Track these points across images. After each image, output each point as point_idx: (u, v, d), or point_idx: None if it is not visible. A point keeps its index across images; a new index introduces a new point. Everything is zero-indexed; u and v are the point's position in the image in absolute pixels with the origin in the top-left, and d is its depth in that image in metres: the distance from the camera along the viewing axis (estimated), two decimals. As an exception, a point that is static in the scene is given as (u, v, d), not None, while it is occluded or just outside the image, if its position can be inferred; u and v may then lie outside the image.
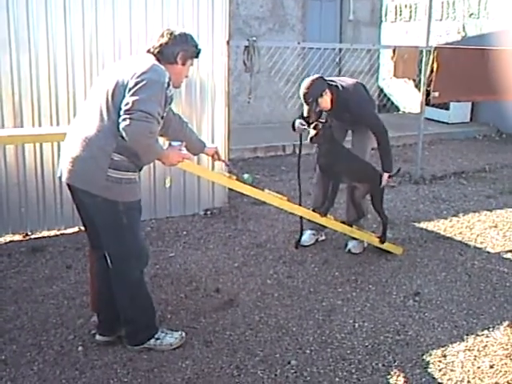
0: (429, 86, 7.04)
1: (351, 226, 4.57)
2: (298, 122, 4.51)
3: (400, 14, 12.90)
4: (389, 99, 12.49)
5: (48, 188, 4.97)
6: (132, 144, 2.82)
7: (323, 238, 4.99)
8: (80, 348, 3.30)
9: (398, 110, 12.61)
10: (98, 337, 3.35)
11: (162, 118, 2.94)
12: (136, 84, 2.78)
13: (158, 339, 3.29)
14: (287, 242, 4.96)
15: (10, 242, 4.84)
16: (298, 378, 3.08)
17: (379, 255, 4.65)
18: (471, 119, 11.04)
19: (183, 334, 3.38)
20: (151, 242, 4.87)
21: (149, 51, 3.05)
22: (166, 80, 2.87)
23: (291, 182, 6.82)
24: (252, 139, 8.51)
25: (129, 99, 2.76)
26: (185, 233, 5.12)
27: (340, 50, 9.40)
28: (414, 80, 9.49)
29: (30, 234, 4.96)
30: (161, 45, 3.03)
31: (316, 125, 4.29)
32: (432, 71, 6.95)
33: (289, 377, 3.09)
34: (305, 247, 4.83)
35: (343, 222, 4.57)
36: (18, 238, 4.91)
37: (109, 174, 2.88)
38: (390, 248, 4.68)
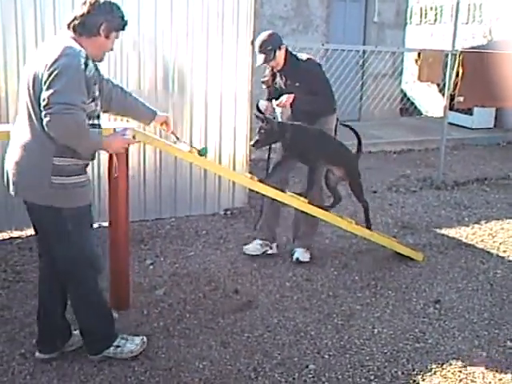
0: (453, 90, 6.97)
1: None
2: (262, 102, 4.43)
3: (425, 17, 12.81)
4: (412, 103, 12.39)
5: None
6: (61, 140, 2.64)
7: (273, 251, 4.66)
8: (98, 345, 3.31)
9: (421, 113, 12.51)
10: (37, 354, 3.15)
11: (94, 99, 2.77)
12: (49, 75, 2.56)
13: (118, 347, 3.14)
14: (307, 245, 4.94)
15: (31, 235, 4.85)
16: (315, 382, 3.06)
17: (399, 261, 4.60)
18: (495, 125, 10.90)
19: (144, 339, 3.25)
20: (171, 240, 4.89)
21: (69, 26, 2.79)
22: (82, 61, 2.64)
23: (312, 184, 6.81)
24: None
25: (44, 94, 2.55)
26: (204, 232, 5.12)
27: (364, 52, 9.35)
28: (438, 84, 9.38)
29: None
30: (82, 15, 2.76)
31: (259, 129, 4.01)
32: (457, 75, 6.87)
33: (307, 381, 3.06)
34: (323, 250, 4.80)
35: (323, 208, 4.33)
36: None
37: (52, 181, 2.73)
38: (410, 254, 4.63)
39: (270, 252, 4.62)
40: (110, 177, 3.55)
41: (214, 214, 5.57)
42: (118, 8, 2.88)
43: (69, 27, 2.79)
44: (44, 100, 2.55)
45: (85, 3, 2.78)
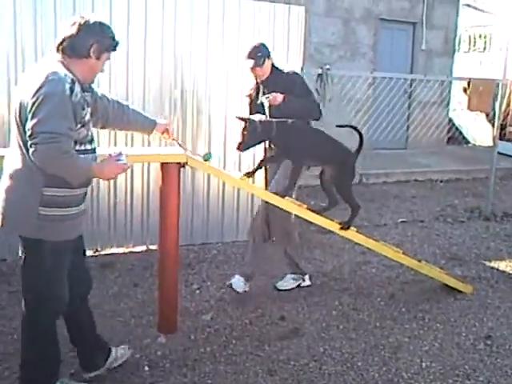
0: (504, 120, 6.88)
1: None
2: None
3: (474, 45, 12.69)
4: (459, 132, 12.24)
5: (119, 204, 5.11)
6: (48, 170, 2.54)
7: (246, 289, 4.38)
8: (146, 368, 3.34)
9: (468, 142, 12.34)
10: (84, 374, 3.17)
11: (84, 124, 2.67)
12: (33, 104, 2.47)
13: None
14: (353, 273, 4.91)
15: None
16: (362, 416, 3.02)
17: (447, 293, 4.51)
18: (546, 155, 10.67)
19: None
20: (217, 265, 4.93)
21: (57, 48, 2.68)
22: (67, 86, 2.52)
23: (357, 212, 6.78)
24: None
25: (29, 124, 2.47)
26: (250, 258, 5.13)
27: (411, 79, 9.32)
28: (487, 113, 9.27)
29: (99, 249, 5.09)
30: (71, 36, 2.65)
31: (242, 130, 3.82)
32: (508, 105, 6.79)
33: (353, 414, 3.03)
34: (370, 280, 4.76)
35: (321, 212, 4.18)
36: (88, 253, 5.03)
37: (40, 212, 2.61)
38: (458, 286, 4.54)
39: (245, 289, 4.33)
40: (161, 201, 3.62)
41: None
42: (109, 28, 2.77)
43: (57, 50, 2.68)
44: (29, 130, 2.47)
45: (73, 24, 2.67)
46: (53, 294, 2.77)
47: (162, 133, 3.45)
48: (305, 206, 4.11)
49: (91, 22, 2.68)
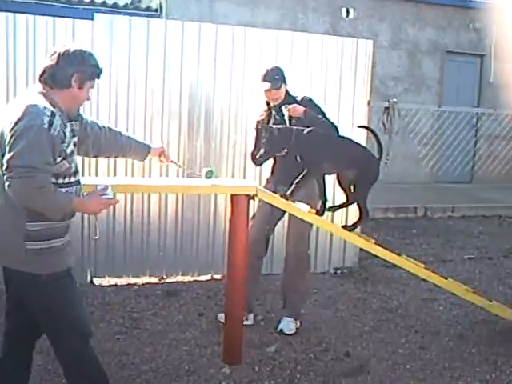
0: None
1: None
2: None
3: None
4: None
5: (185, 233, 5.19)
6: (24, 204, 2.46)
7: (249, 322, 4.27)
8: (211, 398, 3.35)
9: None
10: None
11: (65, 157, 2.56)
12: (11, 138, 2.41)
13: None
14: (419, 310, 4.79)
15: (147, 283, 5.07)
16: None
17: (522, 335, 4.34)
18: None
19: None
20: (281, 297, 4.90)
21: (40, 79, 2.62)
22: (46, 120, 2.44)
23: (422, 247, 6.66)
24: (383, 199, 8.39)
25: (6, 157, 2.41)
26: (315, 290, 5.09)
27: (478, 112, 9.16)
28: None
29: (165, 277, 5.17)
30: (51, 67, 2.58)
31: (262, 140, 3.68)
32: None
33: None
34: (437, 318, 4.63)
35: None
36: (154, 280, 5.14)
37: (27, 247, 2.53)
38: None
39: (246, 323, 4.07)
40: (230, 232, 3.65)
41: (323, 273, 5.55)
42: (90, 56, 2.67)
43: (39, 80, 2.62)
44: (5, 163, 2.41)
45: (54, 54, 2.60)
46: (72, 319, 2.68)
47: (159, 156, 3.38)
48: (372, 240, 4.05)
49: (71, 51, 2.61)
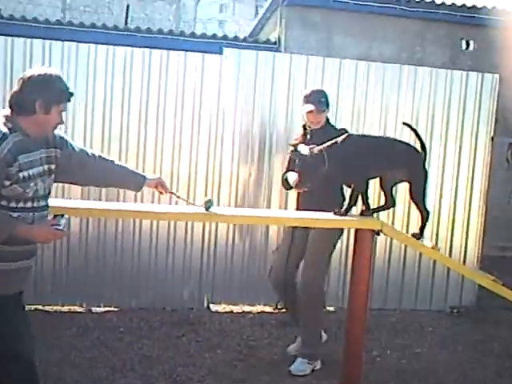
0: None
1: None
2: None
3: None
4: None
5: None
6: None
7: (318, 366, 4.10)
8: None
9: None
10: None
11: (16, 183, 2.47)
12: None
13: None
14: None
15: (262, 312, 5.16)
16: None
17: None
18: None
19: None
20: (396, 333, 4.83)
21: (9, 104, 2.57)
22: None
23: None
24: (502, 236, 8.06)
25: None
26: (430, 329, 4.98)
27: None
28: None
29: (279, 307, 5.22)
30: (15, 93, 2.54)
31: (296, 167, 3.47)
32: None
33: None
34: None
35: None
36: (268, 309, 5.22)
37: None
38: None
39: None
40: (353, 266, 3.66)
41: (439, 311, 5.41)
42: (56, 80, 2.58)
43: (9, 106, 2.57)
44: None
45: (19, 79, 2.55)
46: (10, 345, 2.56)
47: (156, 187, 3.25)
48: (500, 282, 3.90)
49: (35, 75, 2.54)
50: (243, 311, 5.18)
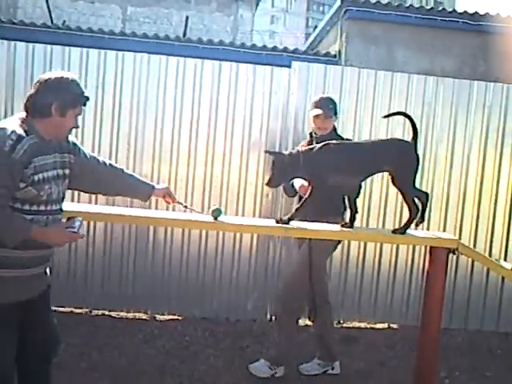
0: None
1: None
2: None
3: None
4: None
5: (366, 278, 5.22)
6: None
7: (280, 374, 4.05)
8: None
9: None
10: None
11: (31, 185, 2.48)
12: None
13: None
14: None
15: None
16: None
17: None
18: None
19: None
20: (463, 354, 4.72)
21: (24, 107, 2.59)
22: (8, 143, 2.40)
23: None
24: None
25: None
26: (499, 351, 4.84)
27: None
28: None
29: (342, 322, 5.18)
30: (31, 95, 2.56)
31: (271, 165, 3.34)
32: None
33: None
34: None
35: None
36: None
37: None
38: None
39: (277, 375, 4.05)
40: (427, 284, 3.59)
41: (506, 334, 5.25)
42: (72, 83, 2.61)
43: (24, 108, 2.60)
44: None
45: (36, 82, 2.58)
46: None
47: (164, 197, 3.24)
48: None
49: (52, 79, 2.57)
50: (306, 324, 5.14)
